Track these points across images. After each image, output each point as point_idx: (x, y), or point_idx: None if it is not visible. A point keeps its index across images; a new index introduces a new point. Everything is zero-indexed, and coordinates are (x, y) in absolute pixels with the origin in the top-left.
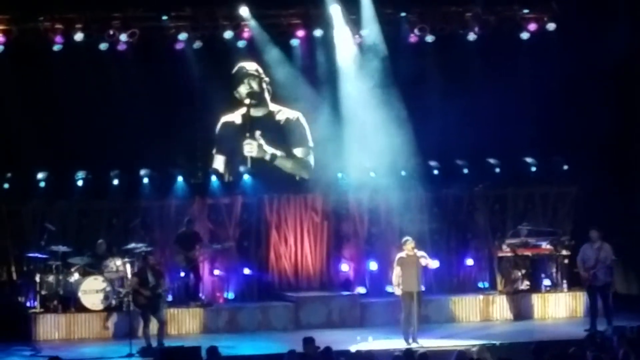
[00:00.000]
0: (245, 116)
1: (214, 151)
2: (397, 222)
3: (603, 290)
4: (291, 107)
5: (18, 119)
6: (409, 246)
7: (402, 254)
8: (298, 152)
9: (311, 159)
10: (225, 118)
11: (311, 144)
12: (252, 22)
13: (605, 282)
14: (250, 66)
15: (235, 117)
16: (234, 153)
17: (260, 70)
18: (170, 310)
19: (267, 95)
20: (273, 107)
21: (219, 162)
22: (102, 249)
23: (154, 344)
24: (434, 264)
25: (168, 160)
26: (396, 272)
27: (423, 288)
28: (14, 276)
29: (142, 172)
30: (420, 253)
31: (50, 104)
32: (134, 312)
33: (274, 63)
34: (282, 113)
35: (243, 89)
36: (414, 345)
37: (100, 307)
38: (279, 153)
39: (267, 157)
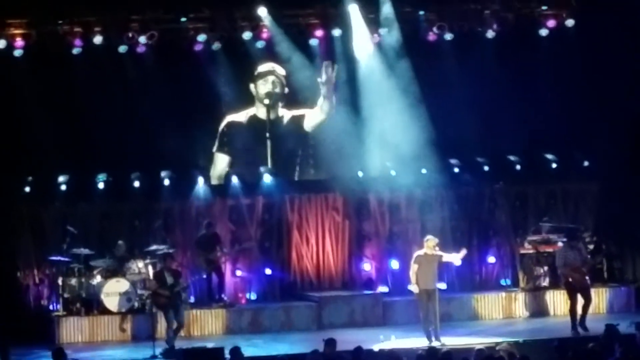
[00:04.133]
0: (254, 118)
1: (215, 149)
2: (418, 220)
3: (587, 290)
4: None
5: (38, 123)
6: (430, 244)
7: (421, 252)
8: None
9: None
10: (231, 117)
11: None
12: (271, 23)
13: (589, 282)
14: (280, 70)
15: (241, 117)
16: (245, 154)
17: (285, 77)
18: (193, 311)
19: (280, 102)
20: (281, 112)
21: (222, 162)
22: (122, 250)
23: (177, 345)
24: (457, 259)
25: (188, 162)
26: (413, 269)
27: (444, 286)
28: (37, 280)
29: (163, 173)
30: (439, 253)
31: (70, 107)
32: (157, 314)
33: (292, 63)
34: (287, 115)
35: (263, 88)
36: (436, 344)
37: (122, 309)
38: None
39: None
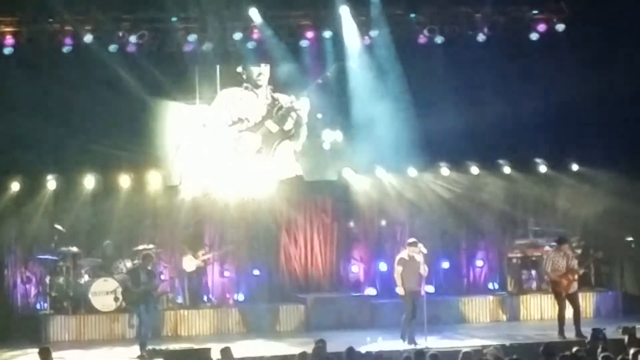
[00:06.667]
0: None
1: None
2: (407, 222)
3: (575, 296)
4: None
5: (27, 121)
6: (413, 247)
7: (404, 255)
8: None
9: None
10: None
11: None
12: (262, 24)
13: (577, 288)
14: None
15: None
16: None
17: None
18: (181, 311)
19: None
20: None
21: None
22: (110, 250)
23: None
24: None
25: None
26: (398, 271)
27: (432, 289)
28: (24, 278)
29: (152, 173)
30: (419, 257)
31: (59, 106)
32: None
33: (282, 64)
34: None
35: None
36: (411, 346)
37: (110, 308)
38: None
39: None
